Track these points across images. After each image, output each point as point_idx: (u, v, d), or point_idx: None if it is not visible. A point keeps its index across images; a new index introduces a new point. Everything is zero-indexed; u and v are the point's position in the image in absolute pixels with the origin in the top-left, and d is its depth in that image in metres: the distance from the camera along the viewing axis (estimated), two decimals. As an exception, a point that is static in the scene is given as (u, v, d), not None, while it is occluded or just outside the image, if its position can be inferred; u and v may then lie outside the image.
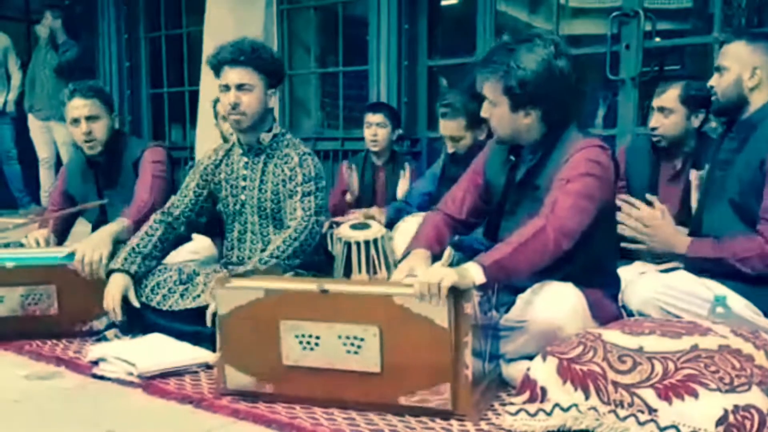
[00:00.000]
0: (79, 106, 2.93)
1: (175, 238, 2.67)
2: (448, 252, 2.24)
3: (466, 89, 3.16)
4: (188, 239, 2.81)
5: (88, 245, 2.65)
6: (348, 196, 3.83)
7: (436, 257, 2.20)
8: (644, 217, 2.20)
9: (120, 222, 2.80)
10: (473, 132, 3.04)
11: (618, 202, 2.22)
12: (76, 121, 2.93)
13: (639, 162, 2.98)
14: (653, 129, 2.89)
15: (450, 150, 3.08)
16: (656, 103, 2.89)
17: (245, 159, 2.65)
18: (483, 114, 2.19)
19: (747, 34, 2.26)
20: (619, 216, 2.23)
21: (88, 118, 2.93)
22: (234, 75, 2.51)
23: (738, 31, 2.46)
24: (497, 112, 2.13)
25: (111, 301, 2.48)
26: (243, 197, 2.64)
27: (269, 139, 2.62)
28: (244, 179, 2.64)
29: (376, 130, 3.77)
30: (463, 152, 3.05)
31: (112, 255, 2.63)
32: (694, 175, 2.65)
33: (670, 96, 2.84)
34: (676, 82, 2.87)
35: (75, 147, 3.16)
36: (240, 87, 2.51)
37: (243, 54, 2.50)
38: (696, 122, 2.85)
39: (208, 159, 2.71)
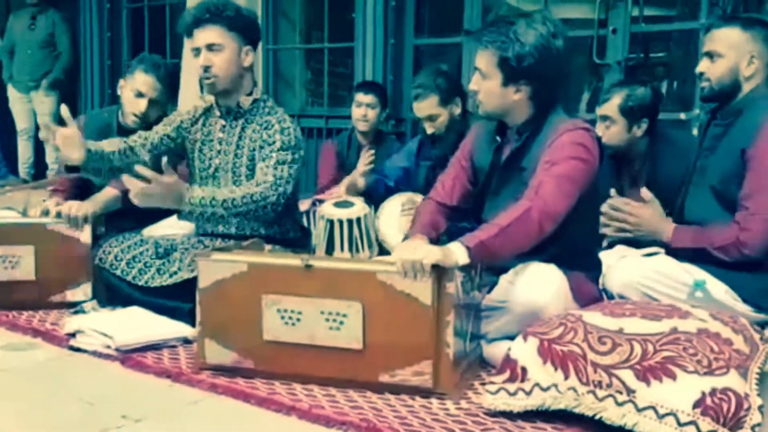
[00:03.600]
0: (144, 82, 2.90)
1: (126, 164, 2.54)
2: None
3: (433, 69, 3.16)
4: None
5: (74, 204, 2.67)
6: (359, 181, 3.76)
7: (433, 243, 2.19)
8: (631, 210, 2.21)
9: (108, 191, 2.80)
10: (448, 108, 3.03)
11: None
12: (140, 95, 2.91)
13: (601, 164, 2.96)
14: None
15: (429, 131, 3.06)
16: (599, 111, 2.85)
17: (222, 122, 2.58)
18: (471, 87, 2.17)
19: (741, 20, 2.23)
20: (603, 208, 2.24)
21: (151, 101, 2.92)
22: (202, 36, 2.44)
23: (729, 16, 2.42)
24: (487, 85, 2.12)
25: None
26: (217, 161, 2.56)
27: (249, 104, 2.55)
28: (220, 143, 2.57)
29: (366, 111, 3.74)
30: (442, 131, 3.04)
31: (98, 221, 2.67)
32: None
33: (610, 106, 2.80)
34: (618, 90, 2.81)
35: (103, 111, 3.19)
36: (210, 47, 2.44)
37: (208, 12, 2.42)
38: (638, 132, 2.80)
39: (187, 114, 2.65)
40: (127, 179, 2.24)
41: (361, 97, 3.76)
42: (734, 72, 2.18)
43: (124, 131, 2.99)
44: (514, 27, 2.05)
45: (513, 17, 2.08)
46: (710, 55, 2.22)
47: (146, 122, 2.92)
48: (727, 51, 2.18)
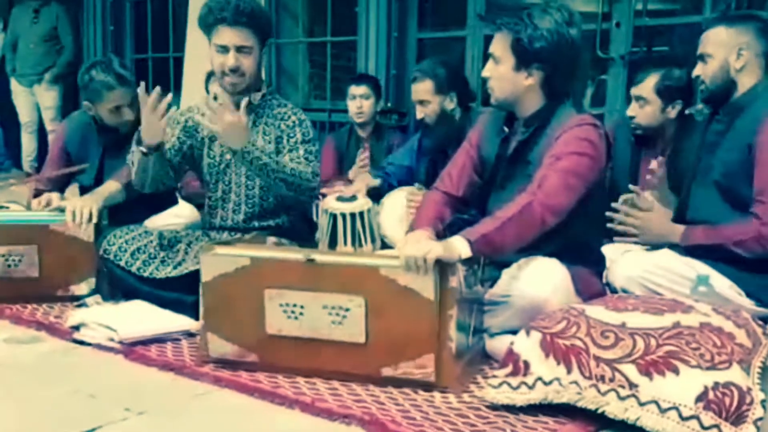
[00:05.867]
0: (120, 96, 2.89)
1: (164, 175, 2.54)
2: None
3: (438, 59, 3.19)
4: (173, 187, 2.74)
5: (79, 200, 2.67)
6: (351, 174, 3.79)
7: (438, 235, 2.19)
8: (635, 212, 2.22)
9: (111, 184, 2.80)
10: (440, 97, 3.05)
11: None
12: (118, 108, 2.90)
13: (622, 147, 2.98)
14: (631, 117, 2.87)
15: (419, 115, 3.09)
16: (633, 91, 2.85)
17: None
18: (484, 73, 2.18)
19: (725, 19, 2.26)
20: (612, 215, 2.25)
21: (129, 107, 2.91)
22: (234, 36, 2.43)
23: (717, 17, 2.42)
24: (500, 69, 2.12)
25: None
26: (228, 156, 2.55)
27: (259, 99, 2.56)
28: None
29: (360, 102, 3.77)
30: (432, 121, 3.05)
31: (102, 214, 2.66)
32: (654, 164, 2.62)
33: (646, 86, 2.79)
34: (654, 70, 2.80)
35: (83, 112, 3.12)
36: (240, 49, 2.44)
37: (245, 15, 2.42)
38: (672, 113, 2.80)
39: (189, 112, 2.64)
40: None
41: (353, 89, 3.79)
42: (725, 68, 2.20)
43: (105, 130, 2.99)
44: (529, 11, 2.07)
45: (528, 7, 2.10)
46: (702, 58, 2.24)
47: (132, 125, 2.92)
48: (715, 50, 2.21)
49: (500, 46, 2.12)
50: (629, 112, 2.88)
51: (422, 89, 3.04)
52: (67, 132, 3.11)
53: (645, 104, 2.81)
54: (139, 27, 5.86)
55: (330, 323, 1.90)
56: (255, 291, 1.94)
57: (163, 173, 2.51)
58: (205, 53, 2.56)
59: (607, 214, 2.28)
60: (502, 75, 2.12)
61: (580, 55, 2.13)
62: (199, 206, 3.03)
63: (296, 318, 1.93)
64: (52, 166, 3.10)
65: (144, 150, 2.40)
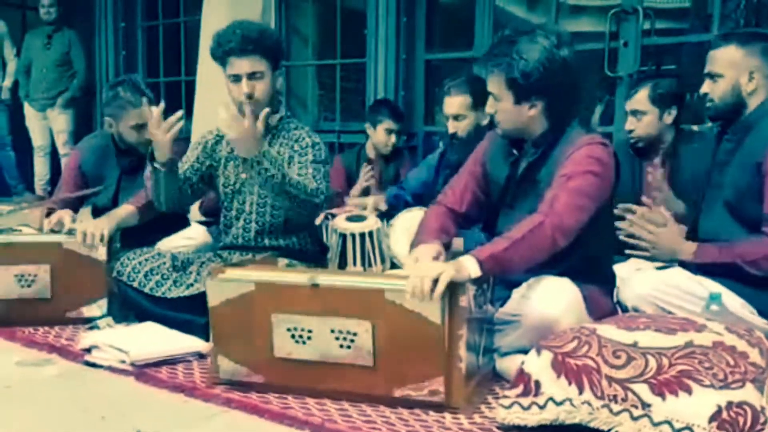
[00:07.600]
0: (141, 114, 2.91)
1: (182, 195, 2.59)
2: (458, 241, 2.25)
3: (473, 75, 3.19)
4: (191, 202, 2.77)
5: (91, 223, 2.69)
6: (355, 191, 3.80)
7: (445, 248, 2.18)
8: (648, 226, 2.22)
9: (125, 208, 2.82)
10: (476, 113, 3.04)
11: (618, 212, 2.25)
12: (141, 126, 2.93)
13: (622, 160, 2.99)
14: (630, 132, 2.96)
15: (451, 129, 3.07)
16: (628, 106, 2.95)
17: None
18: (488, 110, 2.19)
19: (736, 37, 2.24)
20: (621, 224, 2.24)
21: (140, 126, 2.95)
22: (245, 65, 2.48)
23: (726, 35, 2.43)
24: (501, 106, 2.13)
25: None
26: (244, 175, 2.59)
27: (276, 121, 2.60)
28: (246, 159, 2.60)
29: (394, 137, 3.77)
30: (464, 136, 3.05)
31: (114, 236, 2.68)
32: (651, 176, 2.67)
33: (639, 98, 2.91)
34: (644, 84, 2.93)
35: (103, 132, 3.14)
36: (251, 76, 2.49)
37: (251, 42, 2.47)
38: (669, 119, 2.92)
39: (210, 134, 2.70)
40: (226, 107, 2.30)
41: (390, 124, 3.76)
42: (736, 89, 2.19)
43: (123, 151, 3.02)
44: (518, 46, 2.05)
45: (516, 35, 2.09)
46: (711, 76, 2.23)
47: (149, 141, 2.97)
48: (726, 70, 2.20)
49: (496, 85, 2.12)
50: (627, 127, 2.99)
51: (458, 103, 3.05)
52: (83, 153, 3.14)
53: (642, 115, 2.92)
54: (151, 51, 5.92)
55: (338, 347, 1.90)
56: (262, 315, 1.94)
57: (175, 190, 2.54)
58: (217, 77, 2.60)
59: (617, 224, 2.27)
60: (506, 110, 2.13)
61: (579, 75, 2.13)
62: (209, 224, 3.05)
63: (304, 342, 1.92)
64: (67, 188, 3.12)
65: (155, 165, 2.46)
